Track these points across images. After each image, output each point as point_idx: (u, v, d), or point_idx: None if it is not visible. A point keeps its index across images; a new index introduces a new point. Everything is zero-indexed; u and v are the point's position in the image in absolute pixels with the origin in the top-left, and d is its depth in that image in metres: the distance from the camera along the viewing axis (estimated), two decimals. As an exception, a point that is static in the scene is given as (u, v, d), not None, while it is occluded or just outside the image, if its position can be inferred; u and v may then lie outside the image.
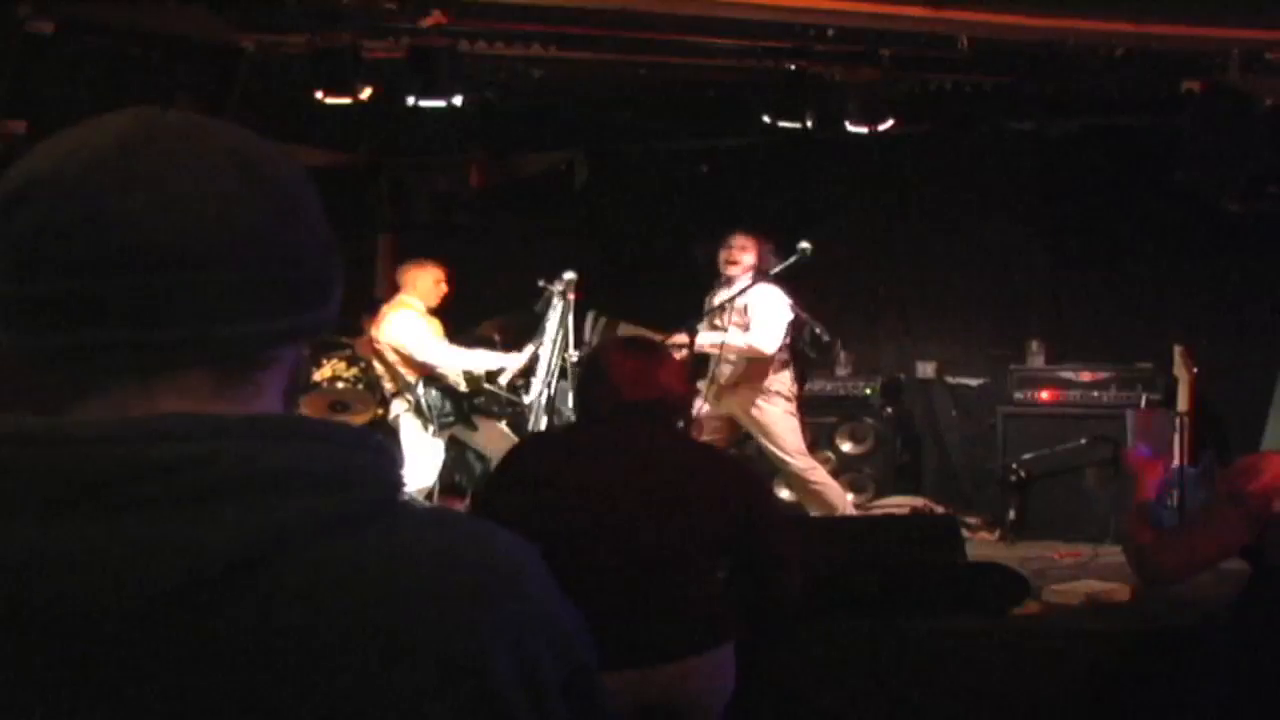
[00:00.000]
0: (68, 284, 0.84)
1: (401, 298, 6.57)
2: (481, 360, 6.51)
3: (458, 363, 6.45)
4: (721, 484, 3.08)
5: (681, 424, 3.38)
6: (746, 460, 3.97)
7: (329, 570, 0.83)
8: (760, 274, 6.00)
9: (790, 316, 6.09)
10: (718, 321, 6.06)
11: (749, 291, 5.98)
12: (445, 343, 6.53)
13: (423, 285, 6.58)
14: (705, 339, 5.94)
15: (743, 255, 6.14)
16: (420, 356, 6.41)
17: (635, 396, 3.07)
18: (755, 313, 6.02)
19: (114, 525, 0.80)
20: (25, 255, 0.85)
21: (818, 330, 6.30)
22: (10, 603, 0.81)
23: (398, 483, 0.91)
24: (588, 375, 3.28)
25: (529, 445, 3.72)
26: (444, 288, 6.63)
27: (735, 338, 5.97)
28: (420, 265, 6.63)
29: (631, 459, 3.04)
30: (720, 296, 6.14)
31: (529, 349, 6.54)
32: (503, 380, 6.59)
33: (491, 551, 0.90)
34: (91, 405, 0.88)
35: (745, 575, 3.21)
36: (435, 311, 6.66)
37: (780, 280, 6.04)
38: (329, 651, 0.81)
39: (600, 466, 3.03)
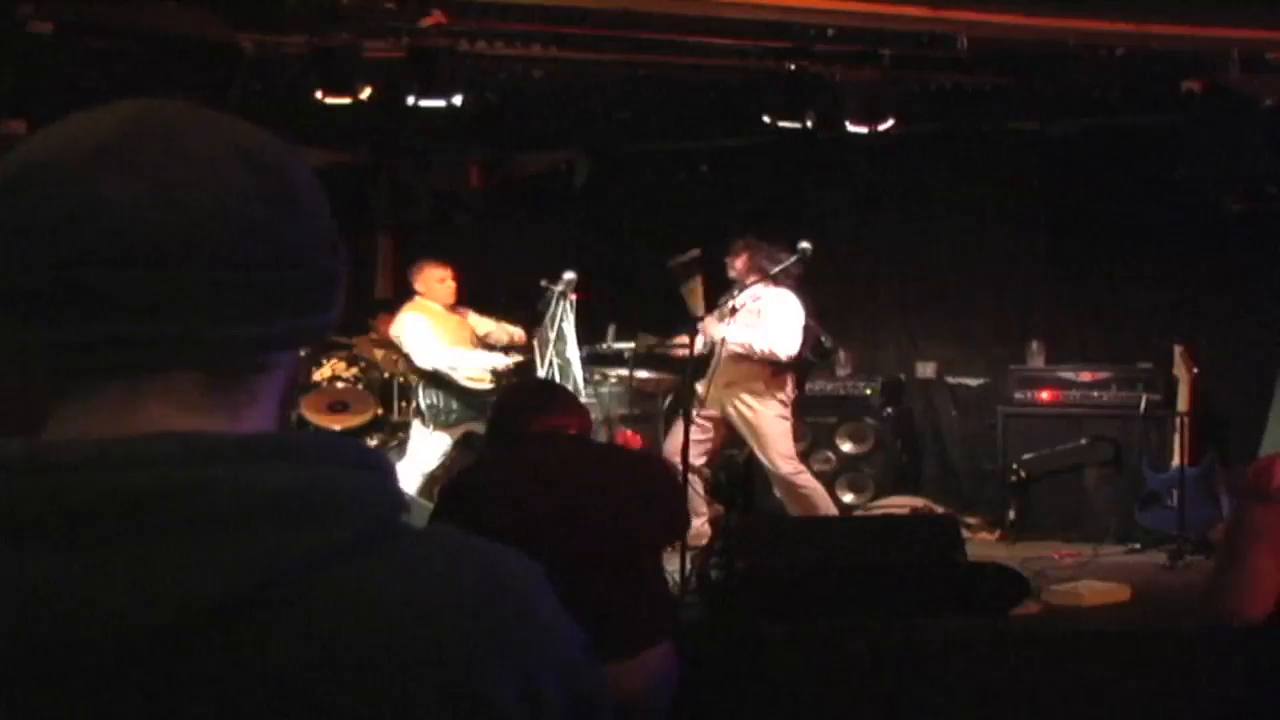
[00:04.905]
0: (55, 276, 0.80)
1: (417, 299, 6.56)
2: (471, 360, 6.46)
3: (446, 363, 6.41)
4: (661, 483, 3.47)
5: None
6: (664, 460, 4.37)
7: (329, 603, 0.79)
8: (768, 277, 6.00)
9: (804, 323, 6.09)
10: (727, 322, 6.06)
11: (762, 294, 6.00)
12: (444, 344, 6.48)
13: (429, 285, 6.55)
14: (723, 332, 5.95)
15: (732, 261, 6.16)
16: (415, 360, 6.40)
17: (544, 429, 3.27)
18: (772, 316, 6.02)
19: (97, 559, 0.74)
20: (15, 245, 0.81)
21: (822, 338, 6.31)
22: None
23: (400, 502, 0.87)
24: (500, 415, 3.43)
25: (480, 469, 3.73)
26: (450, 284, 6.57)
27: (755, 338, 5.98)
28: (423, 266, 6.60)
29: (585, 470, 3.24)
30: (733, 297, 6.14)
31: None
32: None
33: (497, 576, 0.86)
34: (75, 407, 0.83)
35: None
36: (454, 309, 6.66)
37: (797, 285, 6.05)
38: (331, 686, 0.78)
39: (565, 476, 3.18)
